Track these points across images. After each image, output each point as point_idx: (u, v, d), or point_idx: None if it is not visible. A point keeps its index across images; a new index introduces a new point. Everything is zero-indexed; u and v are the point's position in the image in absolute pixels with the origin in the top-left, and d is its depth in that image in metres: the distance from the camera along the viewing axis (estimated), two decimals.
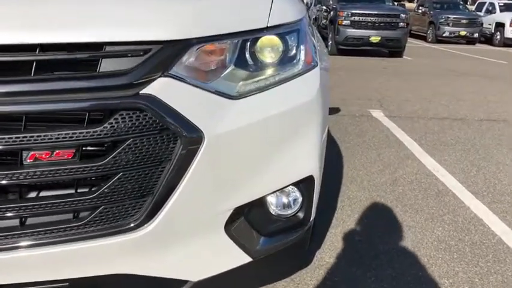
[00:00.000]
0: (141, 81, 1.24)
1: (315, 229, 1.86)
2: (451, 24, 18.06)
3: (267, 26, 1.46)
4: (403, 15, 12.52)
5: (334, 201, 3.21)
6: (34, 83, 1.18)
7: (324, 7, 14.01)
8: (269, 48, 1.47)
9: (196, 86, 1.32)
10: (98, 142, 1.22)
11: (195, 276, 1.47)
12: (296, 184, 1.58)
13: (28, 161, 1.22)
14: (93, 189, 1.28)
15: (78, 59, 1.23)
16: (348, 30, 12.24)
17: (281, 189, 1.56)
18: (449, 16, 18.13)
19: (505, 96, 7.49)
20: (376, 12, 12.32)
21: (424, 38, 19.31)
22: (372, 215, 3.02)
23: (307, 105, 1.55)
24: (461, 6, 19.70)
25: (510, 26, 18.18)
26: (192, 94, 1.31)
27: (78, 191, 1.27)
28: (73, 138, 1.19)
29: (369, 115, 5.75)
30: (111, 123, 1.20)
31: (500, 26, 18.75)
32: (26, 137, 1.17)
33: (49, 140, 1.18)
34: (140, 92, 1.23)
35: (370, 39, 12.22)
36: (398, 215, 3.03)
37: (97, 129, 1.19)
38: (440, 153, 4.34)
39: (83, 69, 1.24)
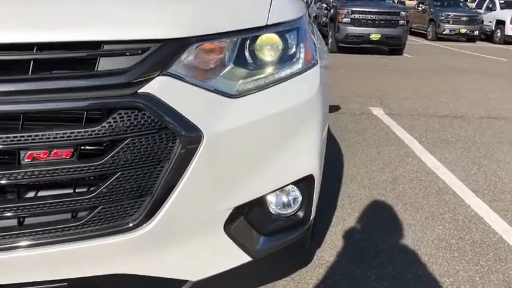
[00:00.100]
0: (139, 80, 1.23)
1: (315, 228, 1.85)
2: (451, 22, 18.04)
3: (267, 25, 1.44)
4: (403, 13, 12.50)
5: (334, 199, 3.20)
6: (32, 82, 1.17)
7: (324, 5, 14.01)
8: (269, 46, 1.47)
9: (195, 85, 1.31)
10: (96, 141, 1.21)
11: (194, 276, 1.46)
12: (296, 183, 1.57)
13: (26, 160, 1.21)
14: (91, 189, 1.27)
15: (76, 58, 1.22)
16: (348, 28, 12.21)
17: (281, 188, 1.55)
18: (450, 13, 18.10)
19: (506, 93, 7.47)
20: (376, 10, 12.30)
21: (424, 36, 19.29)
22: (372, 214, 3.01)
23: (307, 103, 1.54)
24: (461, 4, 19.65)
25: (510, 23, 18.14)
26: (191, 93, 1.30)
27: (77, 190, 1.27)
28: (71, 138, 1.18)
29: (369, 113, 5.74)
30: (110, 122, 1.19)
31: (500, 23, 18.71)
32: (23, 136, 1.16)
33: (47, 140, 1.17)
34: (139, 91, 1.22)
35: (370, 36, 12.21)
36: (399, 214, 3.02)
37: (95, 128, 1.19)
38: (440, 151, 4.34)
39: (81, 68, 1.23)
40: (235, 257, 1.51)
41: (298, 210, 1.62)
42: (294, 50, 1.53)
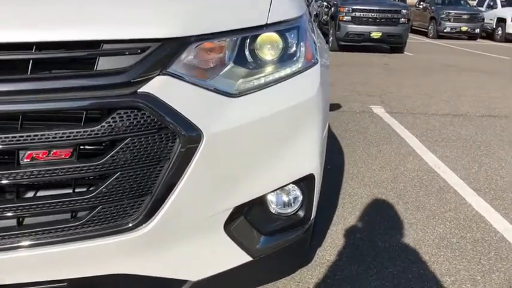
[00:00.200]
0: (139, 79, 1.22)
1: (315, 227, 1.85)
2: (452, 20, 18.03)
3: (267, 23, 1.44)
4: (404, 11, 12.49)
5: (335, 198, 3.20)
6: (30, 82, 1.17)
7: (325, 3, 14.00)
8: (269, 45, 1.46)
9: (195, 84, 1.30)
10: (95, 141, 1.20)
11: (194, 276, 1.46)
12: (296, 182, 1.57)
13: (25, 160, 1.21)
14: (90, 188, 1.27)
15: (75, 57, 1.22)
16: (349, 26, 12.20)
17: (281, 188, 1.55)
18: (451, 11, 18.09)
19: (507, 91, 7.46)
20: (377, 8, 12.29)
21: (425, 34, 19.27)
22: (373, 212, 3.00)
23: (308, 102, 1.53)
24: (462, 2, 19.63)
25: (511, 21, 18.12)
26: (190, 92, 1.29)
27: (76, 190, 1.26)
28: (70, 138, 1.17)
29: (370, 111, 5.73)
30: (109, 122, 1.19)
31: (501, 21, 18.69)
32: (22, 136, 1.15)
33: (46, 140, 1.16)
34: (138, 91, 1.22)
35: (371, 35, 12.20)
36: (400, 212, 3.02)
37: (94, 128, 1.18)
38: (441, 150, 4.33)
39: (80, 67, 1.22)
40: (235, 256, 1.50)
41: (298, 209, 1.62)
42: (294, 48, 1.52)
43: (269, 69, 1.45)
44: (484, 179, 3.65)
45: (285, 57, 1.49)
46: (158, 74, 1.24)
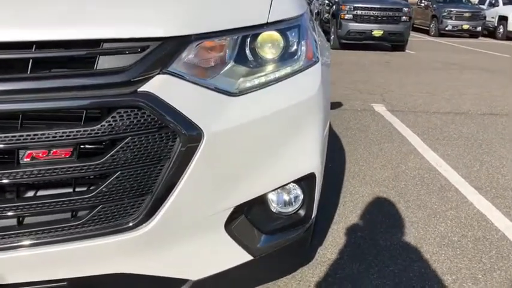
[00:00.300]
0: (139, 78, 1.22)
1: (316, 226, 1.85)
2: (453, 18, 17.98)
3: (267, 22, 1.43)
4: (405, 9, 12.47)
5: (336, 196, 3.19)
6: (30, 81, 1.16)
7: (326, 1, 13.98)
8: (269, 44, 1.45)
9: (196, 83, 1.30)
10: (95, 140, 1.20)
11: (194, 275, 1.46)
12: (297, 181, 1.56)
13: (25, 160, 1.21)
14: (91, 188, 1.27)
15: (75, 57, 1.21)
16: (350, 24, 12.19)
17: (282, 187, 1.54)
18: (452, 10, 18.04)
19: (508, 90, 7.45)
20: (378, 6, 12.27)
21: (426, 32, 19.24)
22: (374, 211, 3.00)
23: (309, 101, 1.53)
24: (464, 0, 19.58)
25: None
26: (191, 91, 1.29)
27: (76, 190, 1.26)
28: (70, 137, 1.17)
29: (371, 109, 5.72)
30: (109, 121, 1.18)
31: (503, 19, 18.63)
32: (22, 135, 1.15)
33: (46, 139, 1.16)
34: (138, 90, 1.21)
35: (372, 33, 12.18)
36: (401, 211, 3.01)
37: (94, 127, 1.18)
38: (443, 148, 4.32)
39: (80, 66, 1.22)
40: (236, 255, 1.50)
41: (299, 208, 1.61)
42: (295, 47, 1.51)
43: (270, 68, 1.45)
44: (485, 178, 3.65)
45: (285, 56, 1.49)
46: (158, 73, 1.24)
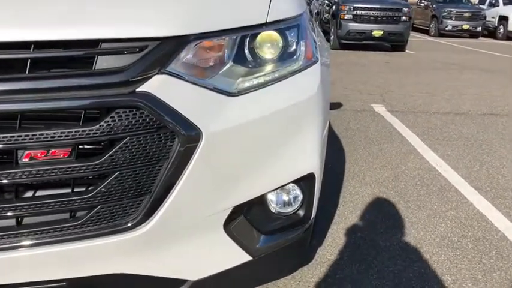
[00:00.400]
0: (137, 78, 1.21)
1: (316, 226, 1.85)
2: (453, 18, 17.98)
3: (266, 22, 1.43)
4: (405, 9, 12.47)
5: (335, 197, 3.19)
6: (29, 81, 1.16)
7: (326, 1, 13.98)
8: (268, 44, 1.45)
9: (194, 83, 1.29)
10: (94, 141, 1.20)
11: (193, 276, 1.46)
12: (296, 181, 1.56)
13: (23, 160, 1.21)
14: (89, 188, 1.26)
15: (74, 56, 1.21)
16: (350, 24, 12.19)
17: (281, 187, 1.54)
18: (452, 10, 18.04)
19: (508, 90, 7.44)
20: (378, 6, 12.27)
21: (426, 32, 19.24)
22: (374, 211, 3.00)
23: (308, 101, 1.52)
24: (464, 0, 19.58)
25: None
26: (189, 91, 1.28)
27: (75, 190, 1.26)
28: (68, 137, 1.17)
29: (371, 110, 5.72)
30: (108, 121, 1.18)
31: (503, 19, 18.63)
32: (20, 136, 1.15)
33: (44, 139, 1.16)
34: (137, 90, 1.21)
35: (372, 33, 12.18)
36: (401, 211, 3.01)
37: (93, 127, 1.17)
38: (443, 148, 4.32)
39: (78, 66, 1.22)
40: (235, 256, 1.50)
41: (298, 208, 1.61)
42: (294, 47, 1.51)
43: (269, 67, 1.44)
44: (485, 178, 3.64)
45: (284, 56, 1.48)
46: (157, 73, 1.24)
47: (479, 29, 18.17)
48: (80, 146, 1.23)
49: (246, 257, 1.51)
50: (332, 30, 12.82)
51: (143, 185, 1.27)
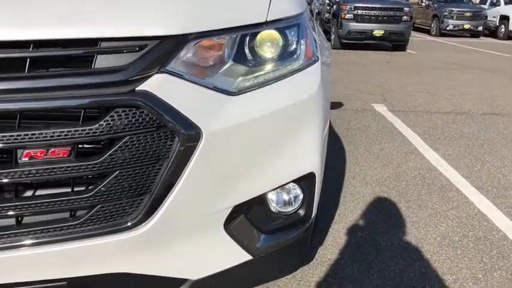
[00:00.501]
0: (137, 77, 1.21)
1: (316, 225, 1.84)
2: (454, 18, 17.96)
3: (266, 21, 1.43)
4: (406, 9, 12.45)
5: (336, 196, 3.19)
6: (28, 80, 1.16)
7: (327, 1, 13.96)
8: (269, 43, 1.45)
9: (194, 82, 1.29)
10: (93, 140, 1.20)
11: (194, 275, 1.45)
12: (297, 181, 1.56)
13: (23, 159, 1.21)
14: (89, 187, 1.26)
15: (73, 56, 1.21)
16: (351, 24, 12.18)
17: (282, 186, 1.54)
18: (453, 9, 18.02)
19: (509, 89, 7.43)
20: (379, 6, 12.25)
21: (427, 32, 19.21)
22: (375, 211, 2.99)
23: (308, 100, 1.52)
24: None
25: None
26: (189, 90, 1.28)
27: (75, 189, 1.25)
28: (68, 136, 1.17)
29: (372, 109, 5.72)
30: (107, 120, 1.18)
31: (504, 18, 18.60)
32: (20, 135, 1.15)
33: (44, 138, 1.16)
34: (136, 89, 1.21)
35: (373, 33, 12.16)
36: (402, 211, 3.01)
37: (92, 126, 1.17)
38: (444, 148, 4.31)
39: (77, 65, 1.22)
40: (235, 255, 1.50)
41: (299, 208, 1.61)
42: (294, 46, 1.51)
43: (269, 67, 1.44)
44: (486, 177, 3.64)
45: (285, 55, 1.48)
46: (157, 72, 1.24)
47: (480, 28, 18.15)
48: (80, 146, 1.22)
49: (246, 256, 1.51)
50: (333, 29, 12.80)
51: (143, 185, 1.27)
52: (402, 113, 5.56)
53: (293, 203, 1.60)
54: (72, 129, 1.16)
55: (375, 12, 12.21)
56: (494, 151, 4.29)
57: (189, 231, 1.39)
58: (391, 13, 12.26)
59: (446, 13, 18.02)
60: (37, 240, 1.26)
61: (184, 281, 1.46)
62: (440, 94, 6.80)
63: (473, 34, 18.37)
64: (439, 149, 4.27)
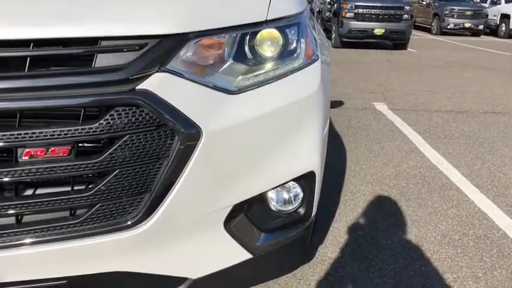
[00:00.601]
0: (137, 76, 1.21)
1: (316, 224, 1.84)
2: (455, 16, 17.95)
3: (266, 20, 1.43)
4: (407, 7, 12.44)
5: (336, 195, 3.19)
6: (28, 79, 1.16)
7: None
8: (269, 42, 1.45)
9: (194, 81, 1.29)
10: (93, 139, 1.20)
11: (194, 274, 1.46)
12: (297, 180, 1.56)
13: (23, 158, 1.21)
14: (89, 186, 1.26)
15: (73, 54, 1.21)
16: (352, 22, 12.16)
17: (282, 185, 1.54)
18: (454, 8, 18.01)
19: (510, 88, 7.42)
20: (380, 5, 12.24)
21: (428, 30, 19.20)
22: (375, 209, 2.99)
23: (308, 99, 1.52)
24: None
25: None
26: (189, 89, 1.28)
27: (75, 188, 1.26)
28: (68, 135, 1.17)
29: (372, 108, 5.71)
30: (107, 119, 1.18)
31: (505, 17, 18.59)
32: (20, 134, 1.15)
33: (44, 137, 1.16)
34: (136, 88, 1.21)
35: (374, 31, 12.16)
36: (402, 209, 3.01)
37: (92, 125, 1.17)
38: (444, 147, 4.31)
39: (78, 64, 1.22)
40: (235, 254, 1.50)
41: (299, 207, 1.61)
42: (294, 45, 1.51)
43: (269, 65, 1.44)
44: (486, 176, 3.64)
45: (285, 54, 1.48)
46: (157, 71, 1.24)
47: (481, 27, 18.13)
48: (80, 144, 1.23)
49: (246, 255, 1.51)
50: (334, 28, 12.80)
51: (143, 183, 1.27)
52: (403, 112, 5.56)
53: (293, 201, 1.60)
54: (72, 128, 1.17)
55: (375, 10, 12.20)
56: (495, 150, 4.29)
57: (189, 230, 1.39)
58: (392, 12, 12.25)
59: (447, 12, 18.00)
60: (37, 239, 1.26)
61: (184, 279, 1.46)
62: (441, 93, 6.79)
63: (474, 33, 18.35)
64: (440, 148, 4.27)
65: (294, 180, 1.55)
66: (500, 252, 2.53)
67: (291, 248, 1.63)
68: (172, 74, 1.26)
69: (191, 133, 1.26)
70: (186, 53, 1.29)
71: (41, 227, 1.26)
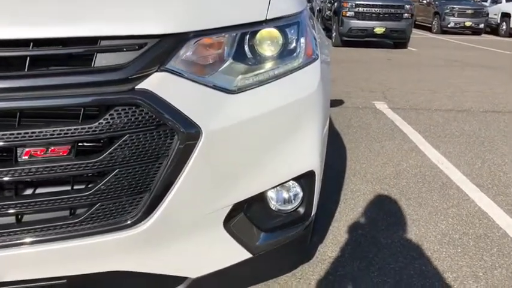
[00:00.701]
0: (136, 76, 1.21)
1: (316, 223, 1.84)
2: (456, 15, 17.94)
3: (266, 19, 1.43)
4: (407, 6, 12.43)
5: (337, 194, 3.19)
6: (28, 79, 1.16)
7: None
8: (268, 41, 1.45)
9: (194, 81, 1.29)
10: (93, 138, 1.20)
11: (194, 273, 1.46)
12: (297, 179, 1.56)
13: (23, 157, 1.21)
14: (89, 186, 1.26)
15: (73, 54, 1.21)
16: (352, 21, 12.16)
17: (281, 184, 1.54)
18: (455, 6, 17.99)
19: (510, 87, 7.42)
20: (380, 3, 12.23)
21: (429, 29, 19.18)
22: (375, 209, 2.99)
23: (308, 98, 1.52)
24: None
25: None
26: (189, 89, 1.28)
27: (75, 187, 1.26)
28: (68, 135, 1.17)
29: (372, 107, 5.71)
30: (107, 119, 1.18)
31: (506, 16, 18.58)
32: (20, 133, 1.15)
33: (44, 137, 1.16)
34: (136, 87, 1.21)
35: (374, 30, 12.16)
36: (402, 209, 3.01)
37: (92, 125, 1.18)
38: (444, 146, 4.31)
39: (77, 64, 1.22)
40: (235, 253, 1.50)
41: (299, 206, 1.61)
42: (294, 44, 1.51)
43: (269, 65, 1.44)
44: (487, 175, 3.64)
45: (284, 53, 1.48)
46: (156, 71, 1.24)
47: (481, 26, 18.13)
48: (80, 144, 1.23)
49: (246, 255, 1.51)
50: (334, 27, 12.79)
51: (143, 183, 1.27)
52: (403, 111, 5.55)
53: (293, 201, 1.60)
54: (72, 127, 1.17)
55: (376, 9, 12.19)
56: (495, 149, 4.29)
57: (188, 230, 1.39)
58: (392, 10, 12.25)
59: (447, 10, 18.00)
60: (37, 238, 1.26)
61: (183, 279, 1.46)
62: (441, 92, 6.79)
63: (475, 31, 18.34)
64: (440, 147, 4.27)
65: (293, 179, 1.55)
66: (500, 251, 2.53)
67: (290, 247, 1.63)
68: (172, 73, 1.26)
69: (191, 132, 1.26)
70: (186, 52, 1.29)
71: (41, 226, 1.26)
